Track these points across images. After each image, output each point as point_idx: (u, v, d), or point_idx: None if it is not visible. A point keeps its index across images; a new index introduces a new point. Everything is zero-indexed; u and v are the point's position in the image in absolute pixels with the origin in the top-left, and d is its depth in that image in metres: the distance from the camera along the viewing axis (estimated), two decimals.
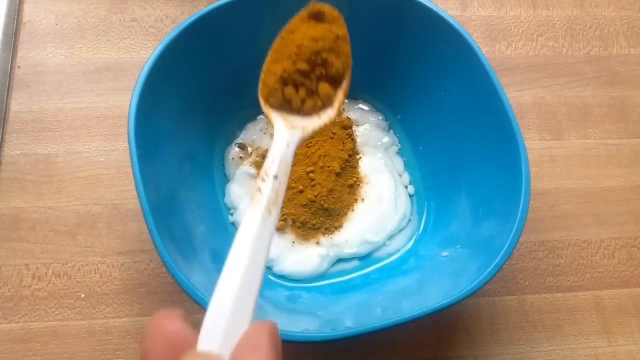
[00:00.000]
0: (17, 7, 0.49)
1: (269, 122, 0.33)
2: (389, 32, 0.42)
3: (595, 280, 0.46)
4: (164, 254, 0.31)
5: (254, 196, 0.25)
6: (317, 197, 0.42)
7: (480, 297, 0.44)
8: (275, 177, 0.26)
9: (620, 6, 0.56)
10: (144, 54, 0.49)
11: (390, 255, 0.43)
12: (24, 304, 0.41)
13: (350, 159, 0.44)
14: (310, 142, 0.44)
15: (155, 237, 0.31)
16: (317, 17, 0.32)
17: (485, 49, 0.53)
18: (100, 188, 0.44)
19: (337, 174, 0.43)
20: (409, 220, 0.44)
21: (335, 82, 0.32)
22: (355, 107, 0.47)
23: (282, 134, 0.29)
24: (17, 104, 0.46)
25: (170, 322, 0.20)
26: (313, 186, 0.42)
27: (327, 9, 0.33)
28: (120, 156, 0.45)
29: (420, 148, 0.46)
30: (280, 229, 0.42)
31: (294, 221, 0.42)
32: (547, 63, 0.53)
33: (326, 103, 0.32)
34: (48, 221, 0.43)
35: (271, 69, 0.31)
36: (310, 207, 0.42)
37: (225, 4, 0.38)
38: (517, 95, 0.51)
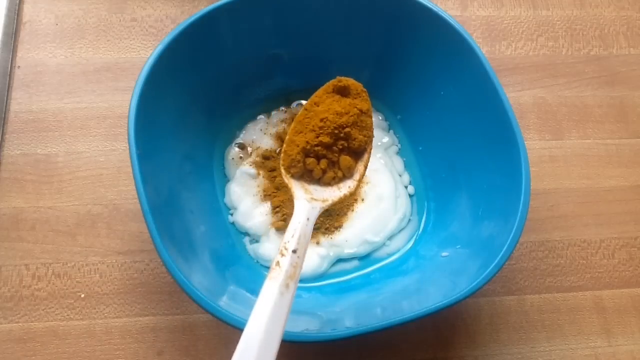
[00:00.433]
0: (17, 7, 0.49)
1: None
2: (389, 32, 0.42)
3: (595, 280, 0.46)
4: (164, 254, 0.31)
5: (272, 270, 0.26)
6: None
7: (480, 297, 0.44)
8: (295, 251, 0.27)
9: (620, 6, 0.56)
10: (144, 54, 0.49)
11: (390, 255, 0.43)
12: (24, 304, 0.41)
13: None
14: None
15: (155, 237, 0.32)
16: (342, 91, 0.33)
17: (485, 49, 0.53)
18: (100, 188, 0.44)
19: None
20: (409, 220, 0.44)
21: (356, 154, 0.33)
22: None
23: (303, 208, 0.30)
24: (17, 104, 0.46)
25: None
26: None
27: (352, 83, 0.33)
28: (120, 156, 0.45)
29: (420, 148, 0.46)
30: (280, 229, 0.42)
31: None
32: (547, 63, 0.53)
33: (347, 175, 0.33)
34: (48, 221, 0.43)
35: (294, 140, 0.32)
36: None
37: (225, 4, 0.38)
38: (517, 95, 0.51)
